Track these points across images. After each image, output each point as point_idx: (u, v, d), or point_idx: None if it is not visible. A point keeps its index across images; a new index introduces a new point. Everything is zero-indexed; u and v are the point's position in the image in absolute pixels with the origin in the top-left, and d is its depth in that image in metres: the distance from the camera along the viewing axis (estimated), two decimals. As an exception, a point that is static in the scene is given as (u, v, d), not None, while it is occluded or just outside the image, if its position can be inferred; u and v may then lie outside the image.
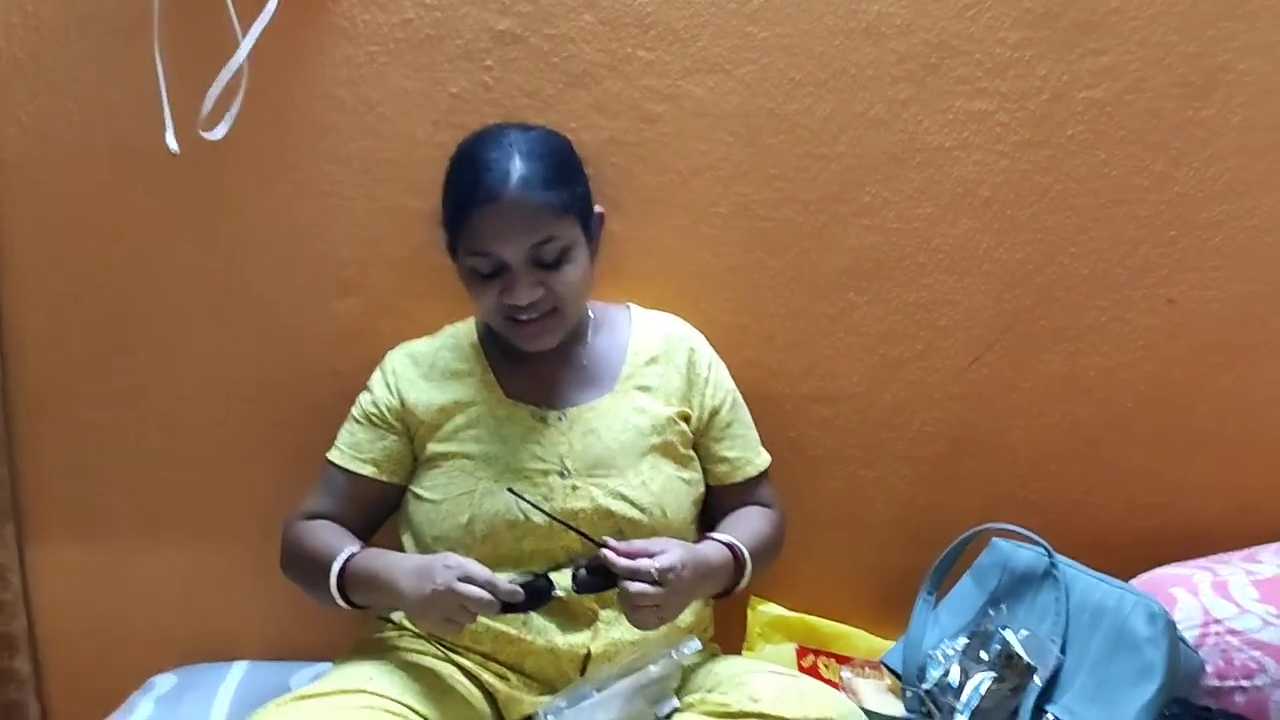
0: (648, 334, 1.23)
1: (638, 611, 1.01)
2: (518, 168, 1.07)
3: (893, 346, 1.36)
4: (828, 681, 1.27)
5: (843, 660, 1.34)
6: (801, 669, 1.32)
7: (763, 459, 1.25)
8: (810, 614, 1.37)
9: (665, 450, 1.17)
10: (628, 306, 1.28)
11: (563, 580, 1.05)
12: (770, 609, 1.37)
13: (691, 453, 1.21)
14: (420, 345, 1.24)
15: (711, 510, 1.24)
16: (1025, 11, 1.27)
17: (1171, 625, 1.04)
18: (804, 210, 1.32)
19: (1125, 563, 1.23)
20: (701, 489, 1.22)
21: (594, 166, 1.22)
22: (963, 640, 1.17)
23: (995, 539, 1.25)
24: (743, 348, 1.33)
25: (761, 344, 1.35)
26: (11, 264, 1.31)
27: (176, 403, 1.36)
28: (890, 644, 1.29)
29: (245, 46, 1.19)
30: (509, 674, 1.10)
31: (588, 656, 1.09)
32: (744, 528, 1.18)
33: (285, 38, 1.23)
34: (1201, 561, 1.23)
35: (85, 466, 1.37)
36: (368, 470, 1.18)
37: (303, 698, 0.98)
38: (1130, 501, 1.38)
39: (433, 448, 1.16)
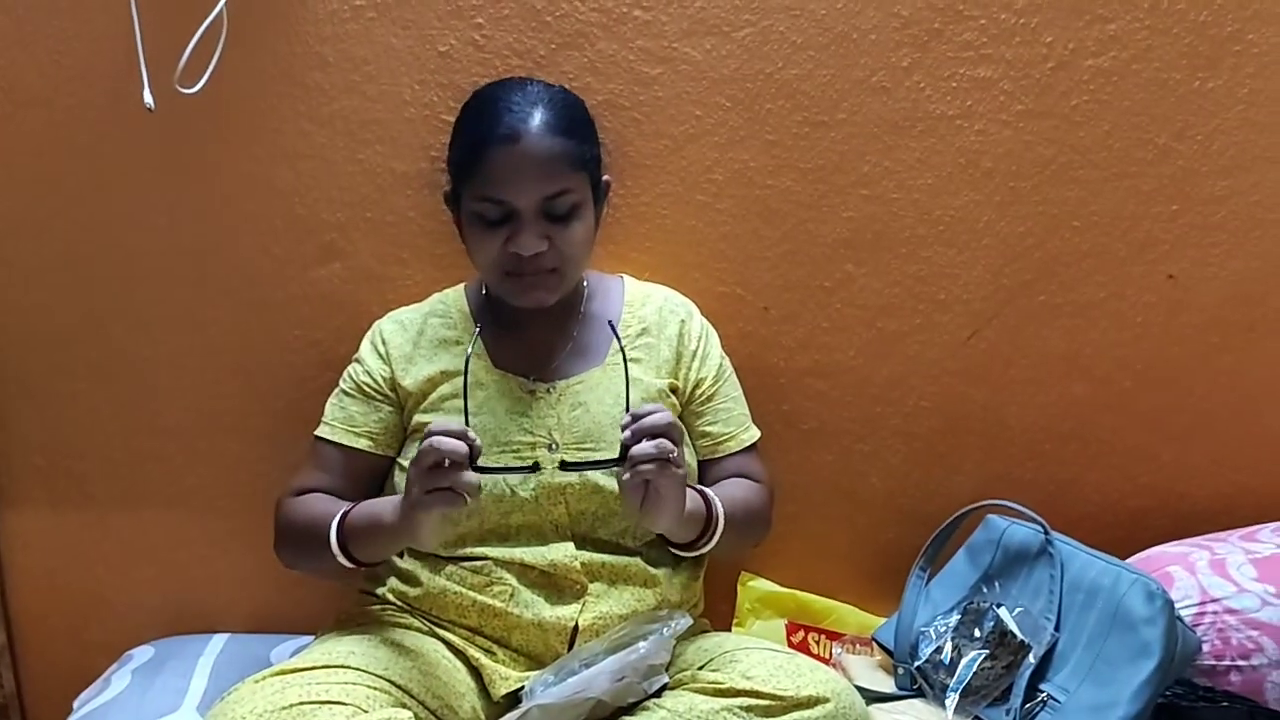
0: (640, 305, 1.20)
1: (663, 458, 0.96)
2: (541, 112, 1.05)
3: (890, 320, 1.33)
4: (817, 658, 1.26)
5: (833, 636, 1.34)
6: (791, 645, 1.31)
7: (748, 435, 1.22)
8: (801, 589, 1.36)
9: (657, 424, 1.14)
10: (621, 277, 1.25)
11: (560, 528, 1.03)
12: (760, 584, 1.36)
13: (683, 426, 1.19)
14: (408, 313, 1.20)
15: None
16: (1032, -24, 1.24)
17: (1170, 604, 1.03)
18: (802, 179, 1.29)
19: (1120, 542, 1.22)
20: (695, 464, 1.19)
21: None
22: (955, 617, 1.16)
23: (990, 516, 1.23)
24: (736, 319, 1.31)
25: (756, 315, 1.33)
26: (-21, 225, 1.27)
27: (152, 371, 1.32)
28: (881, 620, 1.28)
29: (224, -2, 1.15)
30: (495, 648, 1.08)
31: (575, 630, 1.07)
32: (719, 490, 1.15)
33: (266, -10, 1.19)
34: (1199, 540, 1.22)
35: (59, 436, 1.34)
36: (363, 444, 1.14)
37: (282, 672, 0.96)
38: (1126, 481, 1.37)
39: (419, 418, 1.13)
